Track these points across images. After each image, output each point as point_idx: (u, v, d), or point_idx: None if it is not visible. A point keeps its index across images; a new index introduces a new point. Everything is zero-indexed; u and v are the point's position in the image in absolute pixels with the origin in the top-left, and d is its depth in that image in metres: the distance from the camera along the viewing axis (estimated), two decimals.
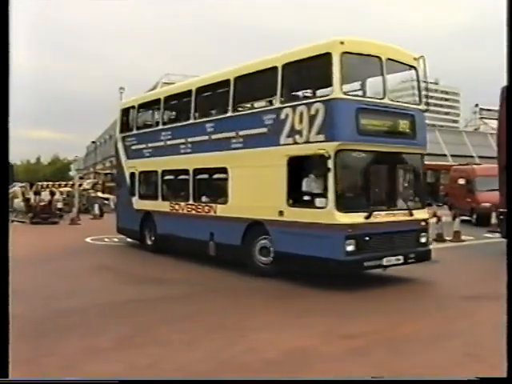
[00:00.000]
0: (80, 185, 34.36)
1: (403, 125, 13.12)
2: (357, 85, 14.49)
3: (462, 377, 6.01)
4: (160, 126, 18.51)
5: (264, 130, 13.74)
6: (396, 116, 13.03)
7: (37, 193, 32.99)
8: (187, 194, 16.88)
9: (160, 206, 18.19)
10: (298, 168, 12.91)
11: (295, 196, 12.82)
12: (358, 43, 12.70)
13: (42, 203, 31.44)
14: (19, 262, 16.64)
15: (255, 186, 13.90)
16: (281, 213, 12.97)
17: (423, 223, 13.52)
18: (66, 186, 37.19)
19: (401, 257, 12.76)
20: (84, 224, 28.87)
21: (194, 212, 16.43)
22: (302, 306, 10.97)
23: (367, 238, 12.06)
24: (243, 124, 14.60)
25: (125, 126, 21.15)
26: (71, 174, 46.38)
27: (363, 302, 11.27)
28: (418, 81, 13.76)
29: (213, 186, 16.59)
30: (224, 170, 15.20)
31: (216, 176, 16.06)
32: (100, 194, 40.70)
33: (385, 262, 12.48)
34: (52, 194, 33.04)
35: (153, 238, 18.81)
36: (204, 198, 16.36)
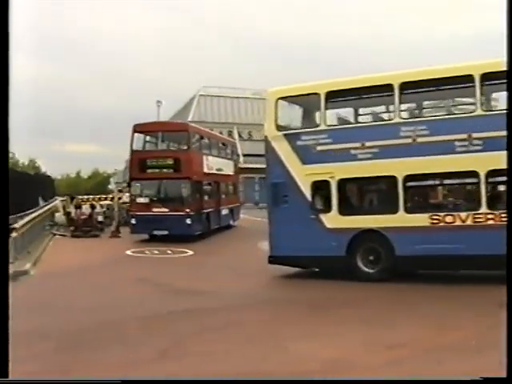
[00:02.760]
0: (119, 198, 34.59)
1: None
2: None
3: (462, 377, 5.96)
4: (397, 119, 14.65)
5: None
6: None
7: (78, 206, 33.34)
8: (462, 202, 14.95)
9: (402, 220, 14.18)
10: None
11: None
12: None
13: (83, 216, 31.77)
14: (61, 274, 17.10)
15: None
16: None
17: None
18: (105, 199, 37.50)
19: None
20: (124, 237, 29.09)
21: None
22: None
23: None
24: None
25: (289, 120, 17.32)
26: (110, 187, 46.94)
27: None
28: None
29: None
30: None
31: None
32: None
33: None
34: (92, 207, 33.40)
35: (381, 264, 14.54)
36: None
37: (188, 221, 24.89)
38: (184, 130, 27.70)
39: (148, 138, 28.27)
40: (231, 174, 35.01)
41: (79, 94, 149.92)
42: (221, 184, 31.21)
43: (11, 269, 17.04)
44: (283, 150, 15.78)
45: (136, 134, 26.72)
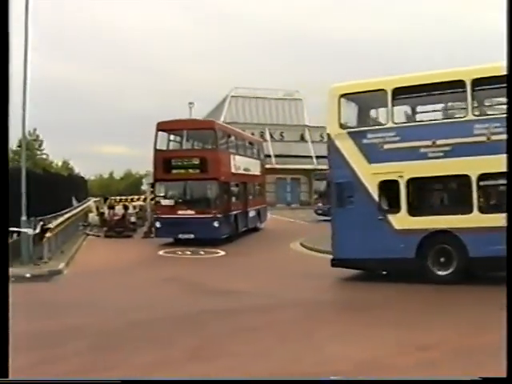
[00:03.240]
0: (152, 199, 34.76)
1: None
2: None
3: (462, 377, 5.86)
4: (470, 117, 14.13)
5: None
6: None
7: (111, 207, 33.58)
8: None
9: (476, 220, 13.70)
10: None
11: None
12: None
13: (116, 217, 31.98)
14: (94, 274, 17.23)
15: None
16: None
17: None
18: (138, 199, 37.71)
19: None
20: (157, 237, 29.20)
21: None
22: None
23: None
24: None
25: (352, 118, 16.66)
26: (143, 188, 47.08)
27: None
28: None
29: None
30: None
31: None
32: None
33: None
34: (125, 208, 33.61)
35: (453, 267, 14.05)
36: None
37: (215, 224, 23.99)
38: (210, 128, 26.25)
39: (172, 136, 27.18)
40: (258, 174, 33.80)
41: (112, 95, 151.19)
42: (248, 185, 30.24)
43: (46, 268, 17.28)
44: (347, 148, 15.18)
45: (160, 133, 25.57)
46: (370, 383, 6.71)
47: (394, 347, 8.60)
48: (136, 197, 39.33)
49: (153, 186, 26.86)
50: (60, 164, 79.09)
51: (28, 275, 16.39)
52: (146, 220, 32.44)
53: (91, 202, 37.71)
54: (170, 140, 26.97)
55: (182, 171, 24.82)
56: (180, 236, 24.49)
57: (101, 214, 33.38)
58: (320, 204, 40.86)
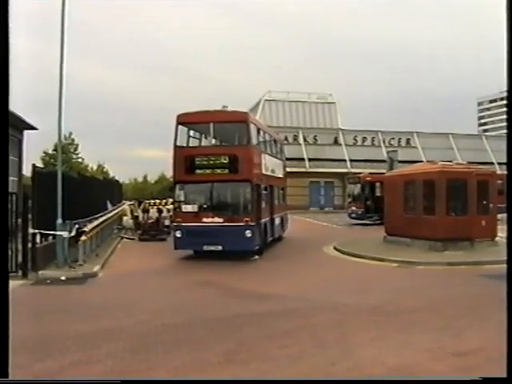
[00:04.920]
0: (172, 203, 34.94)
1: None
2: None
3: (462, 377, 5.79)
4: None
5: None
6: None
7: (145, 210, 33.84)
8: None
9: None
10: None
11: None
12: None
13: (150, 221, 32.25)
14: (128, 277, 17.35)
15: None
16: None
17: None
18: (172, 203, 37.90)
19: None
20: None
21: None
22: None
23: None
24: None
25: None
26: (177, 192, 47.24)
27: None
28: None
29: None
30: None
31: None
32: None
33: None
34: (159, 211, 33.81)
35: None
36: None
37: (248, 233, 20.60)
38: (243, 121, 21.90)
39: (196, 131, 23.85)
40: (281, 176, 29.89)
41: (145, 98, 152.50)
42: (274, 188, 26.44)
43: (81, 271, 17.45)
44: None
45: (180, 127, 21.95)
46: (370, 383, 6.66)
47: None
48: (170, 200, 39.50)
49: (171, 189, 22.93)
50: (95, 168, 79.96)
51: (63, 278, 16.57)
52: None
53: (126, 206, 37.96)
54: (192, 135, 23.81)
55: (208, 171, 21.23)
56: (205, 248, 21.15)
57: (135, 218, 33.61)
58: (354, 208, 40.74)
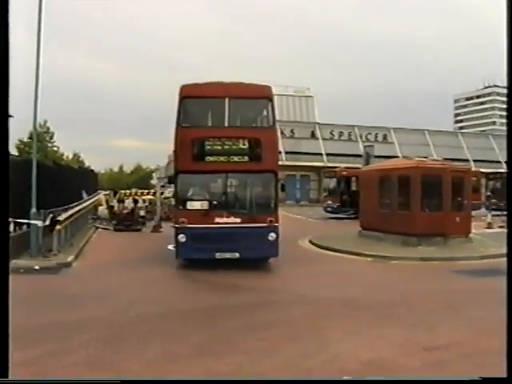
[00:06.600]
0: (162, 193, 34.79)
1: None
2: None
3: (462, 377, 5.86)
4: None
5: None
6: None
7: (120, 201, 33.70)
8: None
9: None
10: None
11: None
12: None
13: (126, 211, 32.09)
14: (102, 267, 17.25)
15: None
16: None
17: None
18: (148, 194, 37.79)
19: None
20: (165, 232, 29.19)
21: None
22: None
23: None
24: None
25: None
26: (153, 182, 47.23)
27: None
28: None
29: None
30: None
31: None
32: None
33: None
34: (135, 201, 33.69)
35: None
36: None
37: (271, 236, 16.56)
38: (265, 97, 17.68)
39: (205, 107, 18.53)
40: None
41: (122, 88, 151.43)
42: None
43: (55, 260, 17.32)
44: None
45: (186, 101, 17.05)
46: (370, 383, 6.69)
47: None
48: (146, 191, 39.40)
49: (170, 180, 18.94)
50: (71, 157, 79.47)
51: (37, 267, 16.43)
52: (154, 214, 32.46)
53: (101, 196, 37.80)
54: (200, 112, 18.98)
55: (222, 159, 16.75)
56: (217, 256, 16.41)
57: (110, 208, 33.48)
58: (329, 202, 40.88)
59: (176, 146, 17.14)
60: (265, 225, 16.54)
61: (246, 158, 16.75)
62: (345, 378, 6.90)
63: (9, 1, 4.48)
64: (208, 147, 16.71)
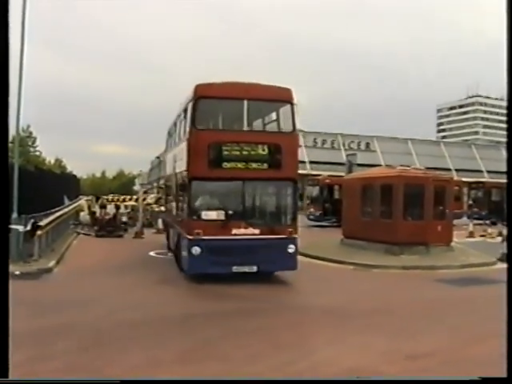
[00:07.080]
0: (144, 199, 34.74)
1: None
2: None
3: (462, 377, 5.90)
4: None
5: None
6: None
7: (102, 206, 33.61)
8: None
9: None
10: None
11: None
12: None
13: (108, 217, 32.03)
14: (83, 273, 17.15)
15: None
16: None
17: None
18: (130, 200, 37.70)
19: None
20: (148, 238, 29.15)
21: None
22: None
23: None
24: None
25: None
26: (136, 188, 47.05)
27: None
28: None
29: None
30: None
31: None
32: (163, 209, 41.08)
33: None
34: (117, 207, 33.63)
35: None
36: None
37: (291, 248, 15.83)
38: (287, 100, 16.53)
39: (222, 109, 17.63)
40: None
41: (106, 93, 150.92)
42: None
43: (36, 266, 17.21)
44: None
45: (201, 102, 15.90)
46: (370, 383, 6.70)
47: None
48: (128, 197, 39.28)
49: (183, 187, 16.66)
50: (53, 162, 79.07)
51: (17, 273, 16.26)
52: (137, 220, 32.38)
53: (83, 201, 37.59)
54: (217, 114, 18.21)
55: (240, 166, 15.81)
56: (234, 269, 15.48)
57: (92, 213, 33.34)
58: (312, 210, 40.98)
59: (189, 150, 16.04)
60: (284, 236, 15.79)
61: (266, 165, 15.94)
62: (345, 378, 6.91)
63: (9, 1, 4.48)
64: (226, 152, 15.70)
